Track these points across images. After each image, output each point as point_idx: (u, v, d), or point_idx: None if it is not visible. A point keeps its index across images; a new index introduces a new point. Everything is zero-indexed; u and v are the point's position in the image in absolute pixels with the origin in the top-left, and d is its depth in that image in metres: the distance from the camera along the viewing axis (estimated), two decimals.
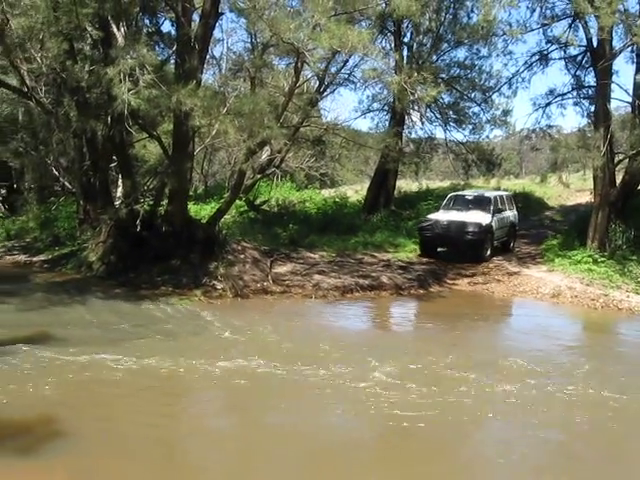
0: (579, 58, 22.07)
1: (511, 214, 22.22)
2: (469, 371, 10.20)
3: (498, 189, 29.24)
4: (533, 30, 21.69)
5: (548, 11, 21.12)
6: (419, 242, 20.99)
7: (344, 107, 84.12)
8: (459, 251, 20.18)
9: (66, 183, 24.13)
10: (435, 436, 8.16)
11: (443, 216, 20.68)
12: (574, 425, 8.57)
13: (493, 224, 20.35)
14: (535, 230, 24.94)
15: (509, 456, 7.71)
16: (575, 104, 23.02)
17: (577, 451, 8.00)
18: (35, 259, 19.13)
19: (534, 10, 21.35)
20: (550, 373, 10.37)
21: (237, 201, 20.81)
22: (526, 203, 29.64)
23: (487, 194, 22.14)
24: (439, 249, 20.64)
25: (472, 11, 23.74)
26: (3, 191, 30.48)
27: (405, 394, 9.18)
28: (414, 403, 8.86)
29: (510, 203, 22.64)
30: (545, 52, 22.55)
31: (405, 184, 33.85)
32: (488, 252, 20.17)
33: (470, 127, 26.03)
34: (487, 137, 27.53)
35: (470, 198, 21.85)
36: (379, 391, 9.28)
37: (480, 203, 21.22)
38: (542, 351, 11.71)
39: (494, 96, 25.07)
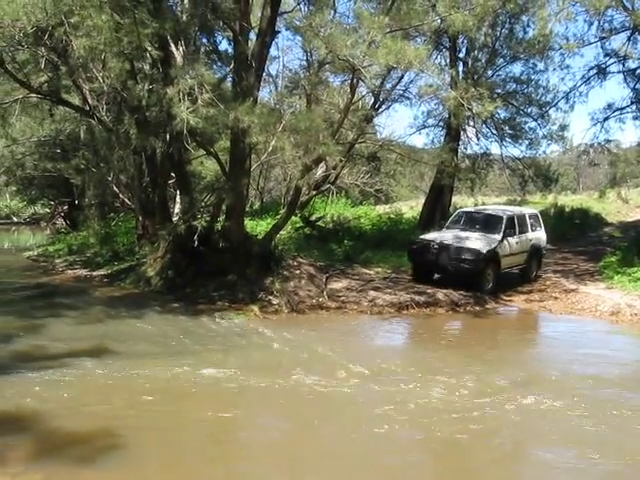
0: (638, 71, 21.70)
1: (534, 236, 19.27)
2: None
3: (552, 206, 28.83)
4: (591, 44, 21.55)
5: (606, 24, 20.90)
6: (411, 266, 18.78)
7: (399, 123, 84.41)
8: (452, 281, 17.42)
9: (126, 199, 24.60)
10: None
11: (438, 237, 18.12)
12: None
13: (502, 249, 17.81)
14: (593, 247, 24.47)
15: None
16: (634, 118, 22.69)
17: None
18: (95, 273, 19.52)
19: (592, 23, 21.16)
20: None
21: (293, 217, 20.92)
22: (584, 219, 29.19)
23: (501, 213, 18.99)
24: (436, 276, 18.11)
25: (528, 25, 23.56)
26: (65, 207, 31.30)
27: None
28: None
29: (535, 223, 19.68)
30: (603, 66, 22.29)
31: (461, 200, 33.69)
32: (490, 284, 17.62)
33: (526, 142, 25.73)
34: (544, 152, 27.18)
35: (479, 217, 19.27)
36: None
37: (489, 223, 18.54)
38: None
39: (551, 111, 24.83)
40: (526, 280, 18.99)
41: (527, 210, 20.85)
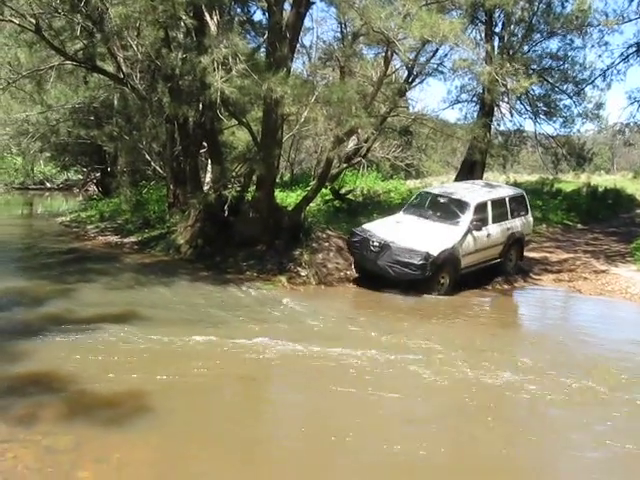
0: None
1: (514, 224, 16.26)
2: None
3: (585, 185, 28.40)
4: (631, 20, 21.32)
5: None
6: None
7: (432, 97, 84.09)
8: (396, 286, 14.45)
9: (157, 167, 24.69)
10: None
11: (382, 229, 15.21)
12: None
13: (464, 247, 14.83)
14: (625, 228, 24.19)
15: None
16: None
17: None
18: (126, 240, 19.71)
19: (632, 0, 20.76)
20: None
21: (322, 189, 20.91)
22: (617, 200, 28.85)
23: (469, 198, 15.57)
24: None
25: (566, 0, 23.23)
26: (98, 174, 31.60)
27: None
28: None
29: (517, 207, 16.59)
30: None
31: (492, 176, 33.41)
32: (444, 287, 14.70)
33: (561, 120, 25.53)
34: (578, 131, 26.91)
35: (443, 201, 15.94)
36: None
37: (454, 211, 15.42)
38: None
39: (587, 89, 24.63)
40: (501, 274, 16.46)
41: (508, 191, 17.37)
